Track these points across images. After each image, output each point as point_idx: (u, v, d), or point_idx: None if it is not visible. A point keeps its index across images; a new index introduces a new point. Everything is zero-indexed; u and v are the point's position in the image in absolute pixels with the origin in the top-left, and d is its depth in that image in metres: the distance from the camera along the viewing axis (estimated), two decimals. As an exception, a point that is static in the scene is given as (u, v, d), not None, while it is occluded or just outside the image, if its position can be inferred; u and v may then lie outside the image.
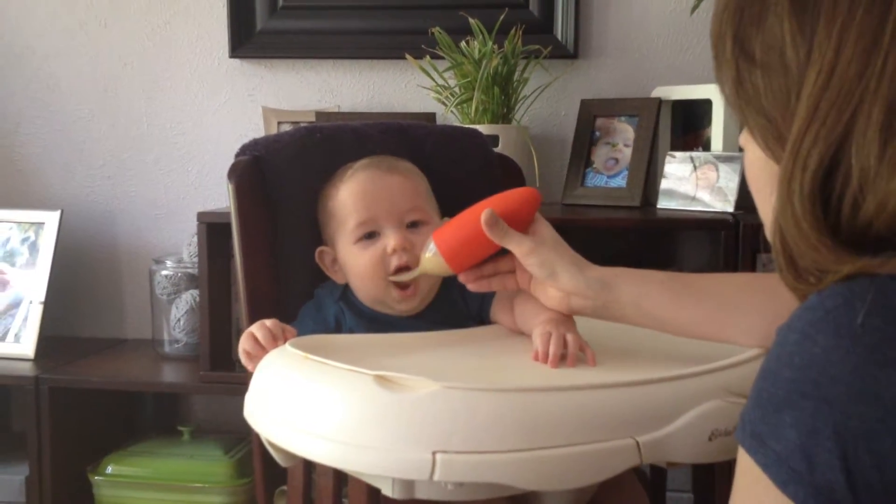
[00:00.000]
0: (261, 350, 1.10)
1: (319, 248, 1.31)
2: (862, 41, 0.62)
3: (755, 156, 0.73)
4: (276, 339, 1.11)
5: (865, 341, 0.57)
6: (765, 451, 0.60)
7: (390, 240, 1.24)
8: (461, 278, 1.14)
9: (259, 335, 1.12)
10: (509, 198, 1.11)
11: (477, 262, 1.13)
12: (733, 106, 0.72)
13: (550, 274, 1.07)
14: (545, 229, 1.10)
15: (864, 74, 0.62)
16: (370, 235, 1.26)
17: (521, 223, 1.09)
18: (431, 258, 1.13)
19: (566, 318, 1.13)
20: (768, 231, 0.69)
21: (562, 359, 1.06)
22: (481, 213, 1.07)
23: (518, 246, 1.07)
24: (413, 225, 1.27)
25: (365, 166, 1.30)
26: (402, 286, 1.24)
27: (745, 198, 1.84)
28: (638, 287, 1.05)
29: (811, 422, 0.57)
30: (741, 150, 0.77)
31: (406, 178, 1.30)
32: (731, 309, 1.03)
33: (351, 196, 1.27)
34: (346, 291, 1.29)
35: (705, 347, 1.11)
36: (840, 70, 0.63)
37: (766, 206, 0.71)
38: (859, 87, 0.62)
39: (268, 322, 1.13)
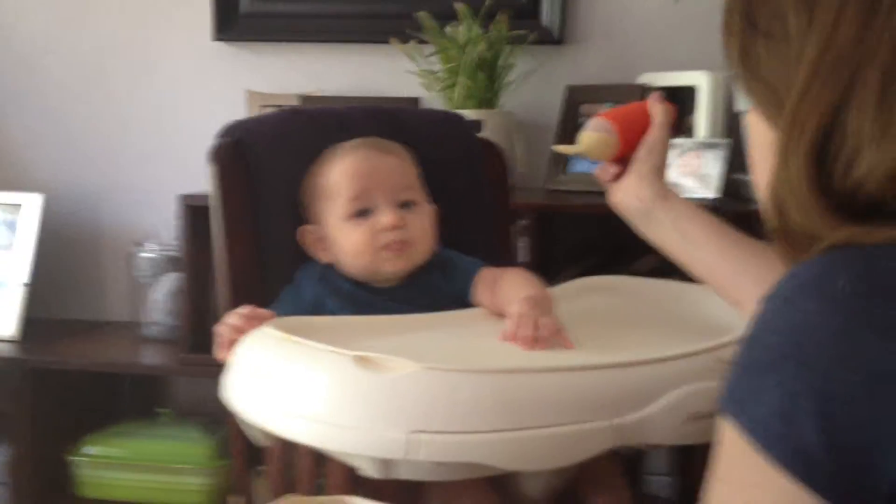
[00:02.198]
0: (237, 333, 1.08)
1: (301, 227, 1.30)
2: (861, 8, 0.64)
3: (756, 129, 0.75)
4: (251, 321, 1.09)
5: (848, 306, 0.58)
6: (746, 414, 0.60)
7: (384, 217, 1.24)
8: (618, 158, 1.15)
9: (234, 321, 1.10)
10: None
11: (629, 151, 1.14)
12: (738, 78, 0.74)
13: (652, 150, 1.12)
14: None
15: (862, 40, 0.64)
16: (363, 213, 1.25)
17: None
18: (597, 136, 1.12)
19: (543, 300, 1.13)
20: (764, 201, 0.70)
21: (535, 341, 1.06)
22: (639, 106, 1.16)
23: (664, 114, 1.14)
24: (405, 205, 1.27)
25: (358, 146, 1.30)
26: (394, 247, 1.23)
27: (728, 185, 1.85)
28: (686, 208, 1.10)
29: (792, 384, 0.58)
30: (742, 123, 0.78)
31: (401, 159, 1.31)
32: (753, 255, 1.03)
33: (345, 173, 1.27)
34: (326, 272, 1.28)
35: (683, 330, 1.11)
36: (839, 36, 0.64)
37: (764, 178, 0.72)
38: (857, 53, 0.64)
39: (240, 309, 1.12)
